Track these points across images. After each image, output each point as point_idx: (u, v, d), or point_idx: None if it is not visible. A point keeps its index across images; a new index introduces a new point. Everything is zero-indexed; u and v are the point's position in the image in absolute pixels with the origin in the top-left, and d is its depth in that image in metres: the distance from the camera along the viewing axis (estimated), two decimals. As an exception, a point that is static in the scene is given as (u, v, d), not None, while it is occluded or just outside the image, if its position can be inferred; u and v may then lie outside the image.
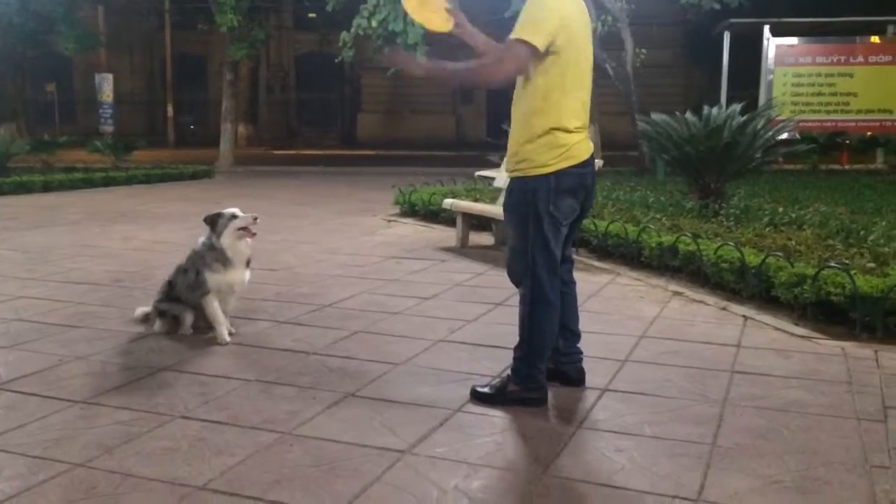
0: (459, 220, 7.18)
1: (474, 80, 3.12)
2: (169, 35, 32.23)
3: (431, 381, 3.39)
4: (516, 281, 3.11)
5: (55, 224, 8.68)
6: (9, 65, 29.25)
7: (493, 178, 8.33)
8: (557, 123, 2.86)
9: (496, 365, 3.57)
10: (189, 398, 3.16)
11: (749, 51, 16.05)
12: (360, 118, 35.07)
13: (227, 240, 3.98)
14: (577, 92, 2.90)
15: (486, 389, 3.14)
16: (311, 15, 32.53)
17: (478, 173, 10.55)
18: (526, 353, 3.05)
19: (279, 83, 35.87)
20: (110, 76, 24.74)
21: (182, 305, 4.09)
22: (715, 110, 7.57)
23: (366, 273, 5.91)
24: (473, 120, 34.74)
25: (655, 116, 7.94)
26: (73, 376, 3.44)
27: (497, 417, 2.98)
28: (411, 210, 9.20)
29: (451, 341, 4.03)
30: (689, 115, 7.61)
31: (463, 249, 7.01)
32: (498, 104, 35.06)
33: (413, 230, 8.33)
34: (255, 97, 34.23)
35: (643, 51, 15.68)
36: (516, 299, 5.00)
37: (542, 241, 2.93)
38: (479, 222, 7.62)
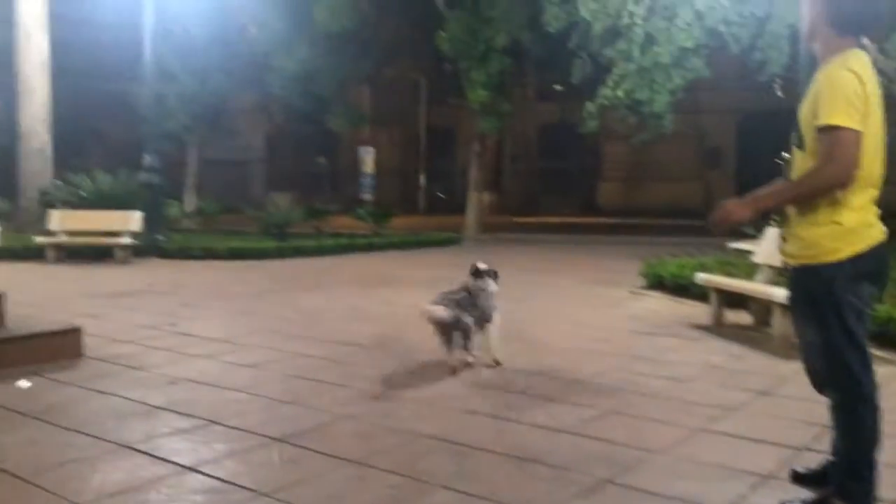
0: (713, 297, 6.84)
1: (806, 194, 2.67)
2: (424, 110, 34.76)
3: (694, 476, 3.21)
4: (819, 384, 2.81)
5: (326, 286, 9.57)
6: (289, 141, 33.31)
7: (749, 252, 7.87)
8: (851, 203, 2.61)
9: (767, 463, 3.31)
10: (449, 467, 3.28)
11: None
12: (601, 186, 35.04)
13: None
14: (872, 165, 2.64)
15: None
16: (555, 87, 33.39)
17: (731, 245, 10.05)
18: (853, 466, 2.69)
19: (523, 153, 37.04)
20: (372, 149, 27.20)
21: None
22: None
23: (615, 348, 5.81)
24: (722, 186, 33.17)
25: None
26: (346, 435, 3.72)
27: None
28: (658, 283, 8.93)
29: (711, 431, 3.80)
30: None
31: (717, 328, 6.65)
32: (749, 169, 33.31)
33: (661, 304, 8.08)
34: (500, 166, 35.60)
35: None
36: (783, 387, 4.69)
37: (847, 335, 2.63)
38: (735, 299, 7.19)
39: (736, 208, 2.72)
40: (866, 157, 2.59)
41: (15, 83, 15.55)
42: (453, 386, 4.64)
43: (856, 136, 2.51)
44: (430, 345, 5.84)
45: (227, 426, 3.84)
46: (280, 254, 13.29)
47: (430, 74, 32.36)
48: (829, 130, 2.53)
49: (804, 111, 2.69)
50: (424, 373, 4.97)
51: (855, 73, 2.55)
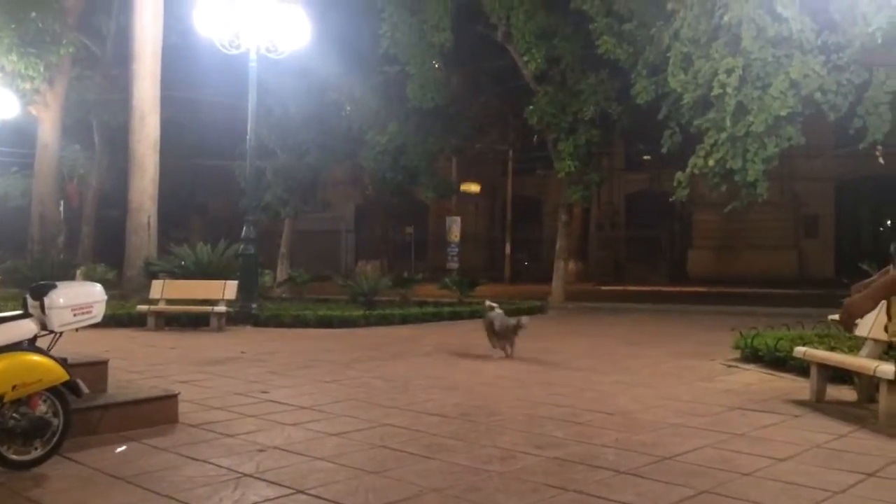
0: (814, 371, 6.50)
1: None
2: (511, 180, 35.11)
3: (796, 563, 3.02)
4: None
5: (411, 355, 9.63)
6: (378, 211, 34.19)
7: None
8: None
9: None
10: (535, 546, 3.20)
11: None
12: (691, 254, 34.28)
13: None
14: None
15: None
16: (645, 157, 33.25)
17: (831, 317, 9.56)
18: None
19: (609, 221, 36.76)
20: (458, 219, 27.58)
21: None
22: None
23: (708, 424, 5.58)
24: (819, 255, 31.96)
25: None
26: (430, 508, 3.69)
27: None
28: (754, 355, 8.58)
29: (815, 515, 3.58)
30: None
31: (819, 404, 6.30)
32: (847, 238, 31.97)
33: (757, 378, 7.73)
34: (586, 234, 35.38)
35: None
36: (892, 469, 4.38)
37: None
38: (837, 374, 6.82)
39: (857, 305, 2.76)
40: None
41: (128, 161, 16.63)
42: (538, 461, 4.55)
43: None
44: (515, 416, 5.78)
45: (313, 495, 3.87)
46: (367, 322, 13.49)
47: (517, 145, 32.81)
48: None
49: None
50: (510, 445, 4.90)
51: None
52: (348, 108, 22.25)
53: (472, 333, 12.47)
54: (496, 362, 8.93)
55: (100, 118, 24.81)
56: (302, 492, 3.93)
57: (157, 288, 13.03)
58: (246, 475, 4.22)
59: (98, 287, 4.89)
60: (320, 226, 36.34)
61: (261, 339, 11.18)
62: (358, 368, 8.32)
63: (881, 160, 15.68)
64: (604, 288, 28.26)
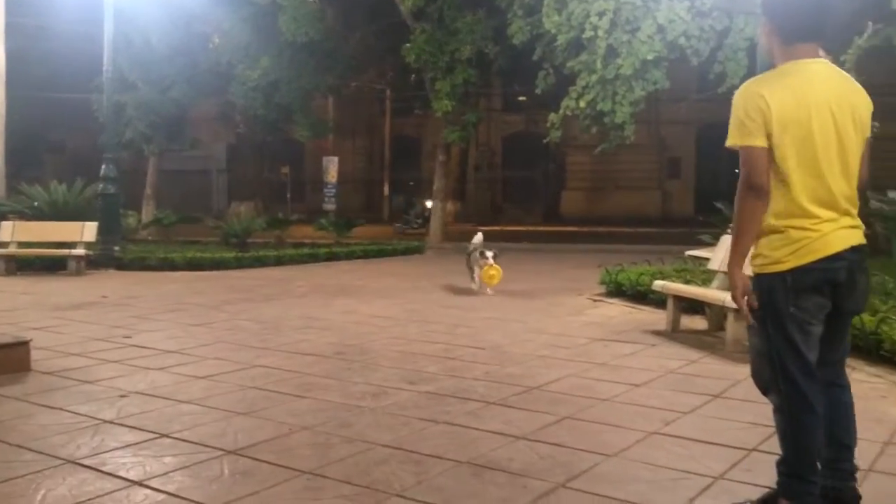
0: (670, 303, 6.91)
1: (747, 221, 2.68)
2: (389, 120, 34.73)
3: (647, 478, 3.23)
4: (763, 387, 2.82)
5: (285, 296, 9.48)
6: (251, 150, 33.01)
7: (705, 259, 7.99)
8: (792, 214, 2.61)
9: (717, 465, 3.34)
10: (404, 476, 3.25)
11: None
12: (564, 195, 35.32)
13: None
14: (820, 178, 2.61)
15: None
16: (520, 98, 33.65)
17: (688, 252, 10.19)
18: (794, 467, 2.69)
19: (486, 162, 37.22)
20: (336, 159, 27.04)
21: None
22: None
23: (573, 355, 5.83)
24: (681, 195, 33.74)
25: (892, 194, 7.26)
26: (301, 446, 3.67)
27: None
28: (618, 290, 9.01)
29: (665, 434, 3.83)
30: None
31: (674, 334, 6.73)
32: (707, 179, 33.88)
33: (620, 311, 8.14)
34: (464, 175, 35.68)
35: (876, 123, 14.49)
36: (735, 390, 4.76)
37: (786, 343, 2.64)
38: (692, 305, 7.29)
39: (732, 288, 2.76)
40: (800, 168, 2.60)
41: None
42: (411, 396, 4.62)
43: (753, 151, 2.61)
44: (389, 354, 5.83)
45: (178, 439, 3.77)
46: (239, 264, 13.13)
47: (395, 85, 32.37)
48: (741, 151, 2.66)
49: None
50: (383, 382, 4.94)
51: (754, 90, 2.65)
52: (216, 40, 21.13)
53: (347, 274, 12.43)
54: (371, 302, 8.94)
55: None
56: (166, 436, 3.81)
57: (7, 230, 12.09)
58: (106, 421, 4.04)
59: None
60: (190, 165, 34.75)
61: (124, 283, 10.66)
62: (229, 311, 8.11)
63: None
64: (481, 228, 28.71)
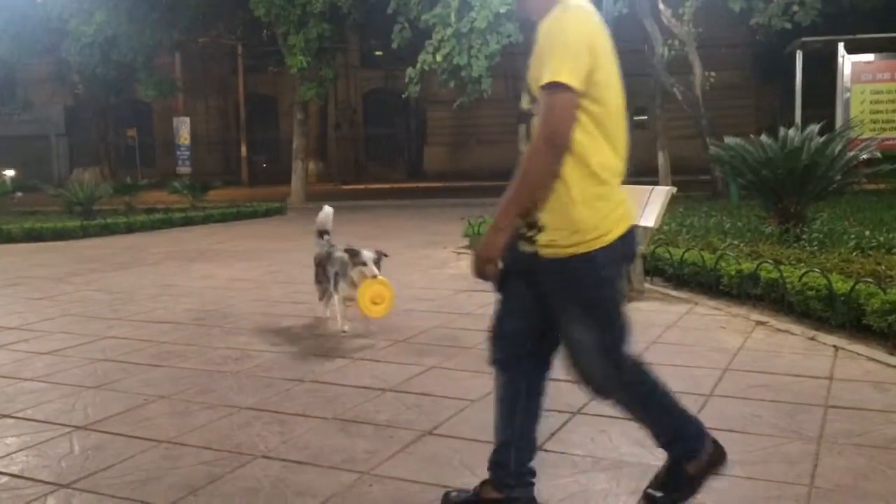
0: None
1: (535, 181, 2.14)
2: (242, 78, 33.37)
3: (510, 419, 3.32)
4: (597, 389, 2.34)
5: (138, 264, 8.99)
6: (92, 112, 30.85)
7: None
8: (606, 174, 2.18)
9: (575, 400, 3.49)
10: (269, 437, 3.19)
11: (822, 69, 15.59)
12: (426, 151, 35.47)
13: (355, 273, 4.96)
14: (617, 129, 2.20)
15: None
16: (377, 53, 33.24)
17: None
18: (673, 433, 2.34)
19: (347, 120, 36.66)
20: (187, 119, 25.83)
21: None
22: (791, 132, 7.35)
23: (439, 307, 5.90)
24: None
25: (728, 140, 7.77)
26: (158, 416, 3.52)
27: (577, 457, 2.90)
28: (481, 242, 9.18)
29: (527, 376, 3.96)
30: (763, 137, 7.41)
31: (534, 281, 6.94)
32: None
33: (483, 262, 8.30)
34: (324, 134, 35.03)
35: (712, 73, 15.44)
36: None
37: (622, 326, 2.27)
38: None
39: (485, 249, 2.22)
40: (610, 118, 2.16)
41: None
42: (275, 357, 4.52)
43: (571, 94, 2.05)
44: (251, 317, 5.67)
45: (21, 418, 3.51)
46: (85, 233, 12.33)
47: (247, 41, 31.04)
48: (548, 91, 2.06)
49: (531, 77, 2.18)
50: (245, 346, 4.80)
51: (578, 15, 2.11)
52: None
53: (205, 238, 11.96)
54: (231, 266, 8.65)
55: None
56: (7, 416, 3.54)
57: None
58: (-65, 408, 3.70)
59: None
60: (24, 130, 32.11)
61: (-46, 259, 9.76)
62: (75, 282, 7.60)
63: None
64: (345, 187, 28.42)
